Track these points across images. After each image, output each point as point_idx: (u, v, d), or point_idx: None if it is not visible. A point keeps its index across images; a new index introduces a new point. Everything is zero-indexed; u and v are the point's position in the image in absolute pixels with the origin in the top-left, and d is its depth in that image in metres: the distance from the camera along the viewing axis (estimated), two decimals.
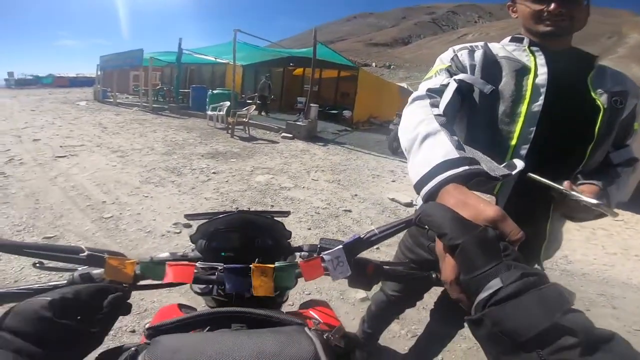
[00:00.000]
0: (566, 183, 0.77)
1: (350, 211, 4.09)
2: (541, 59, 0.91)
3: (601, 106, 0.88)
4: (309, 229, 3.48)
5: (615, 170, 0.96)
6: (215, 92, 10.89)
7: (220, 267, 0.58)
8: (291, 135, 8.40)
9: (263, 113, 11.95)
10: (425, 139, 0.62)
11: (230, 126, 8.06)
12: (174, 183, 4.49)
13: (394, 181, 5.59)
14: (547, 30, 0.90)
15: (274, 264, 0.58)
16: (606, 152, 0.96)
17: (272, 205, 4.00)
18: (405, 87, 17.47)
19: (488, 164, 0.52)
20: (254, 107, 9.29)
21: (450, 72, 0.92)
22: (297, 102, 12.53)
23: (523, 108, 0.87)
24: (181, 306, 0.80)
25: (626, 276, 3.62)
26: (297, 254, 0.74)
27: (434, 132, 0.62)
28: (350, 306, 2.30)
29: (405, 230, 0.93)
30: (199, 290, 0.69)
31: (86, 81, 29.14)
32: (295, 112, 11.24)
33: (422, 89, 0.86)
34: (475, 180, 0.50)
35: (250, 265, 0.57)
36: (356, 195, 4.71)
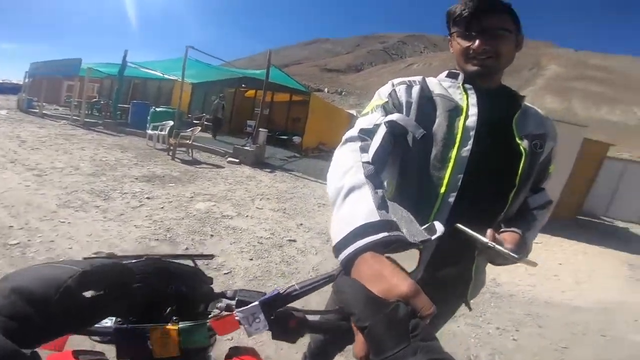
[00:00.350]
0: (489, 232, 0.78)
1: (295, 241, 4.02)
2: (473, 98, 0.91)
3: (523, 151, 0.89)
4: (251, 259, 3.35)
5: (532, 214, 0.98)
6: (158, 109, 10.29)
7: (110, 328, 0.52)
8: (238, 161, 8.18)
9: (212, 135, 11.54)
10: (349, 192, 0.59)
11: (171, 147, 7.62)
12: (99, 208, 4.04)
13: None
14: (474, 70, 0.90)
15: (183, 317, 0.55)
16: (525, 197, 0.97)
17: (212, 235, 3.78)
18: (355, 114, 17.91)
19: (409, 227, 0.50)
20: (200, 128, 8.94)
21: (386, 110, 0.90)
22: (246, 125, 12.38)
23: (453, 153, 0.86)
24: (79, 353, 0.64)
25: (547, 295, 3.97)
26: (226, 301, 0.68)
27: (359, 186, 0.59)
28: None
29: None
30: (98, 339, 0.58)
31: (12, 88, 26.03)
32: (245, 135, 11.07)
33: (356, 127, 0.83)
34: (395, 246, 0.47)
35: (148, 327, 0.51)
36: (301, 224, 4.66)
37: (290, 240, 4.01)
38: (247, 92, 15.54)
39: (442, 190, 0.86)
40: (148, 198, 4.64)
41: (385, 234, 0.47)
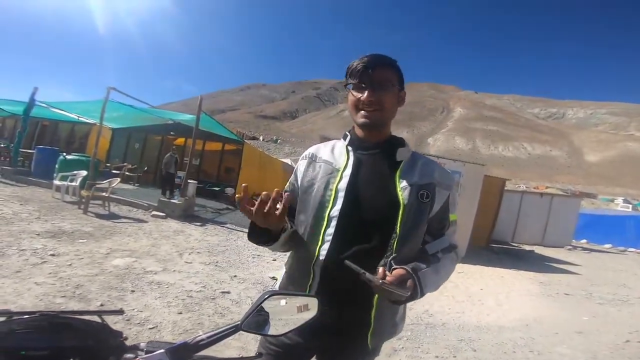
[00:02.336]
0: (380, 270, 0.85)
1: (228, 292, 3.81)
2: (352, 159, 1.00)
3: (401, 203, 0.94)
4: (180, 313, 3.11)
5: (435, 257, 1.01)
6: (69, 157, 9.09)
7: None
8: (164, 214, 7.48)
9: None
10: None
11: (83, 200, 6.75)
12: None
13: (274, 260, 5.54)
14: (362, 122, 0.97)
15: None
16: (421, 243, 1.02)
17: (133, 290, 3.41)
18: (290, 163, 17.77)
19: None
20: (119, 179, 8.15)
21: (291, 183, 1.12)
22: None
23: (326, 214, 0.97)
24: None
25: (476, 320, 4.22)
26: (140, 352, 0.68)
27: None
28: None
29: None
30: None
31: None
32: (174, 187, 10.26)
33: None
34: None
35: None
36: (235, 276, 4.45)
37: (223, 292, 3.79)
38: (176, 139, 14.79)
39: (319, 244, 0.97)
40: (52, 255, 4.01)
41: None
